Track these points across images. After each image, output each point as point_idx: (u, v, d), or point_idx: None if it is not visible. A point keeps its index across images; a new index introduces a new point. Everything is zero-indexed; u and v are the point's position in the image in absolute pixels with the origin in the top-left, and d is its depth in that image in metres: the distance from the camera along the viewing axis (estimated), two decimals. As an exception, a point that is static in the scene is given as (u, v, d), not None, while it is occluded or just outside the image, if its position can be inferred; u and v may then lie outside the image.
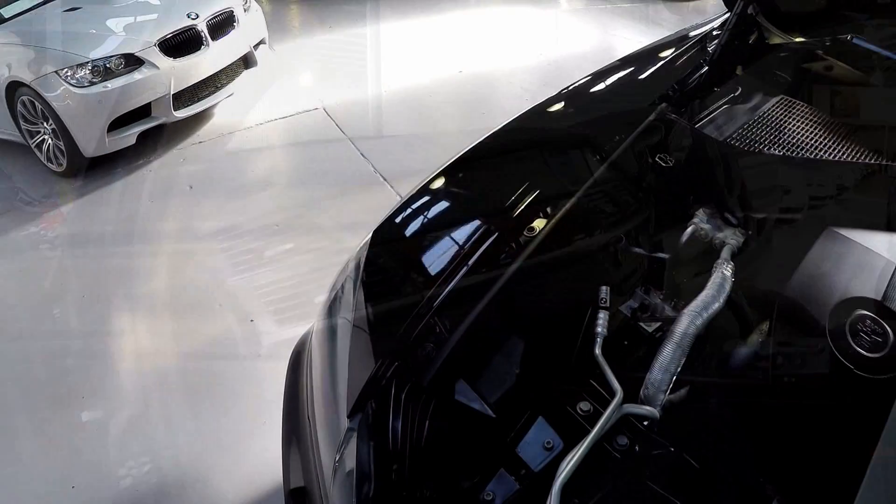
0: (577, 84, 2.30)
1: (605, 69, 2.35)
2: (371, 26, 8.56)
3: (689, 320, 1.43)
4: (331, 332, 1.69)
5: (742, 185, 1.82)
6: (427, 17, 8.77)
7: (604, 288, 1.53)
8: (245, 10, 6.16)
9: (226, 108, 6.20)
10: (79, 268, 4.25)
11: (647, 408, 1.34)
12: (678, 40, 2.61)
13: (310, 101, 6.31)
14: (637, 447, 1.30)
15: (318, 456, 1.55)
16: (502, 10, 8.96)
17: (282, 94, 6.54)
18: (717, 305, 1.50)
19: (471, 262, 1.58)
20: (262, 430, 3.03)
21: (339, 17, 8.93)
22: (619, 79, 2.19)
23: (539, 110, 2.18)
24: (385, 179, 4.86)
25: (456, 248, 1.62)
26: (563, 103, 2.16)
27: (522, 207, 1.70)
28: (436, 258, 1.64)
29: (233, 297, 3.93)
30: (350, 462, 1.34)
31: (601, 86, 2.18)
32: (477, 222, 1.69)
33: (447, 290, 1.54)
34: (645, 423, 1.37)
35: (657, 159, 1.82)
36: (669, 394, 1.40)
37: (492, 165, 1.93)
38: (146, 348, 3.62)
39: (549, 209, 1.68)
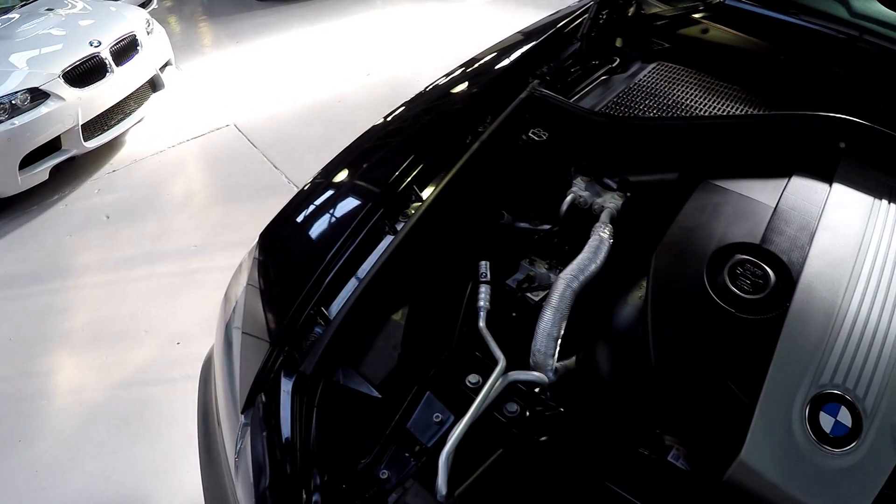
0: (460, 66, 2.33)
1: (490, 51, 2.39)
2: (279, 36, 8.52)
3: (564, 284, 1.49)
4: (227, 338, 1.71)
5: (617, 150, 1.88)
6: (334, 22, 8.78)
7: (483, 263, 1.57)
8: (148, 33, 6.10)
9: (137, 133, 6.13)
10: (2, 311, 4.18)
11: (535, 374, 1.39)
12: (564, 17, 2.67)
13: (220, 118, 6.29)
14: (527, 413, 1.34)
15: (227, 458, 1.57)
16: (411, 7, 9.01)
17: (192, 114, 6.49)
18: (593, 267, 1.55)
19: (353, 246, 1.59)
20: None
21: (246, 30, 8.89)
22: (498, 59, 2.22)
23: (424, 95, 2.22)
24: (297, 187, 4.81)
25: (340, 234, 1.63)
26: (447, 86, 2.19)
27: (403, 187, 1.73)
28: (321, 246, 1.65)
29: (158, 322, 3.91)
30: (247, 457, 1.36)
31: (482, 65, 2.21)
32: (360, 206, 1.70)
33: (330, 275, 1.55)
34: (536, 389, 1.42)
35: (530, 134, 1.87)
36: (559, 361, 1.46)
37: (376, 151, 1.96)
38: (77, 384, 3.58)
39: (427, 190, 1.71)
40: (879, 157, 1.78)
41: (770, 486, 1.20)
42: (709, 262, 1.46)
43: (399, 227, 1.61)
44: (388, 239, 1.59)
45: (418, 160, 1.77)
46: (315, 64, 7.43)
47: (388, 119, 2.12)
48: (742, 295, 1.40)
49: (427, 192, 1.69)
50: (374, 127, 2.11)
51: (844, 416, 1.23)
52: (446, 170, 1.73)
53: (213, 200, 5.12)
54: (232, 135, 6.00)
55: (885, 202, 1.64)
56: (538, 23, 2.65)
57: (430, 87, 2.24)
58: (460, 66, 2.28)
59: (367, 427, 1.39)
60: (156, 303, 4.07)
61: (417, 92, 2.25)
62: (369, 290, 1.50)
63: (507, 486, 1.23)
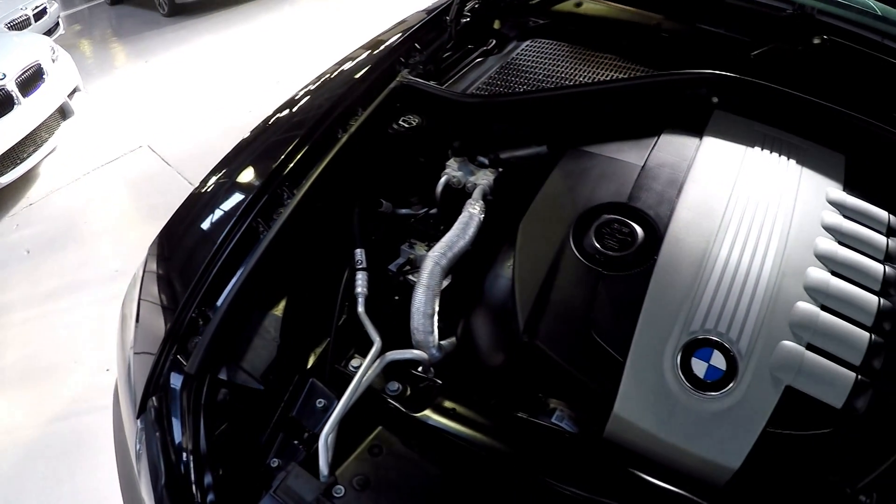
0: (337, 62, 2.35)
1: (371, 42, 2.41)
2: (188, 50, 8.43)
3: (433, 263, 1.53)
4: (123, 353, 1.72)
5: (488, 128, 1.92)
6: (242, 28, 8.71)
7: (358, 251, 1.60)
8: (53, 61, 5.97)
9: (51, 163, 6.01)
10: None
11: (412, 352, 1.42)
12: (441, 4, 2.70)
13: (133, 140, 6.20)
14: (409, 390, 1.38)
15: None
16: (318, 6, 8.97)
17: (104, 138, 6.39)
18: (462, 243, 1.59)
19: (231, 245, 1.60)
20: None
21: (156, 47, 8.76)
22: (374, 50, 2.24)
23: (304, 91, 2.23)
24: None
25: (219, 234, 1.64)
26: (324, 82, 2.20)
27: (276, 185, 1.74)
28: (201, 248, 1.66)
29: (87, 350, 3.88)
30: (144, 461, 1.37)
31: (358, 59, 2.23)
32: (238, 205, 1.71)
33: (211, 275, 1.56)
34: (420, 367, 1.46)
35: (401, 122, 1.90)
36: (441, 340, 1.50)
37: (256, 149, 1.97)
38: (11, 424, 3.53)
39: (302, 186, 1.73)
40: (752, 108, 1.84)
41: (647, 436, 1.24)
42: (574, 226, 1.49)
43: (273, 223, 1.63)
44: (265, 235, 1.61)
45: (291, 156, 1.78)
46: (225, 75, 7.37)
47: (270, 117, 2.14)
48: (609, 253, 1.44)
49: (300, 188, 1.71)
50: (257, 126, 2.12)
51: (718, 360, 1.27)
52: (318, 165, 1.75)
53: (131, 223, 5.07)
54: (146, 155, 5.93)
55: (756, 149, 1.70)
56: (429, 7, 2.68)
57: (312, 82, 2.26)
58: (337, 63, 2.30)
59: (255, 420, 1.41)
60: (83, 331, 4.02)
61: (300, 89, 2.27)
62: (246, 287, 1.51)
63: (390, 462, 1.25)
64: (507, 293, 1.46)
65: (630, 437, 1.26)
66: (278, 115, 2.11)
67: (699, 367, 1.26)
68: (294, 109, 2.05)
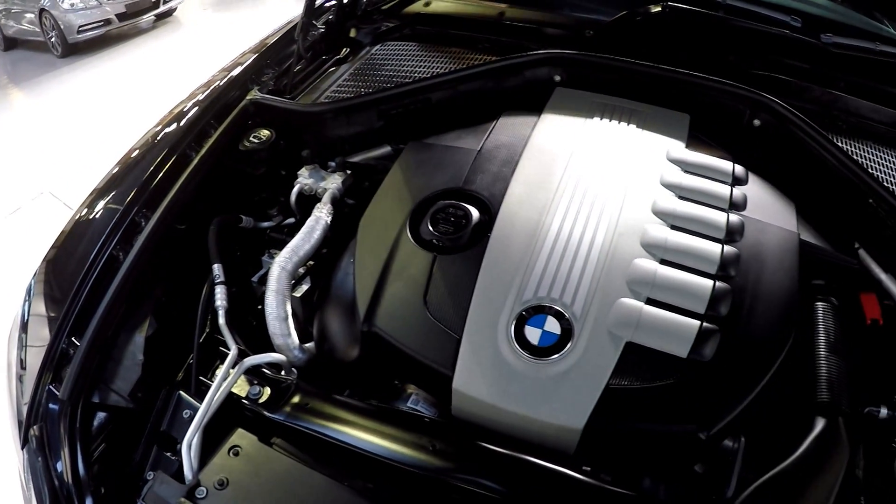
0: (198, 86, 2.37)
1: (229, 64, 2.42)
2: (84, 88, 8.32)
3: (279, 268, 1.57)
4: (10, 384, 1.73)
5: (336, 133, 1.97)
6: (136, 61, 8.63)
7: (216, 266, 1.62)
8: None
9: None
10: None
11: (270, 355, 1.46)
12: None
13: (34, 187, 6.09)
14: (269, 392, 1.40)
15: None
16: (212, 30, 8.92)
17: (4, 188, 6.25)
18: (308, 247, 1.64)
19: (95, 272, 1.62)
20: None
21: (53, 89, 8.66)
22: (230, 72, 2.26)
23: (163, 119, 2.21)
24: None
25: (85, 262, 1.65)
26: (183, 106, 2.21)
27: (134, 211, 1.75)
28: (72, 277, 1.66)
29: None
30: (30, 490, 1.38)
31: (220, 80, 2.25)
32: (100, 232, 1.72)
33: (79, 302, 1.57)
34: (282, 371, 1.50)
35: (252, 139, 1.95)
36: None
37: (119, 176, 1.97)
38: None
39: (159, 206, 1.74)
40: (593, 81, 1.91)
41: (490, 409, 1.27)
42: (411, 215, 1.54)
43: (130, 250, 1.65)
44: (125, 262, 1.63)
45: (148, 182, 1.79)
46: (123, 109, 7.29)
47: (135, 146, 2.15)
48: (444, 237, 1.49)
49: (156, 212, 1.73)
50: (121, 157, 2.13)
51: (552, 325, 1.31)
52: (172, 188, 1.77)
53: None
54: (48, 202, 5.84)
55: (596, 119, 1.77)
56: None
57: (174, 107, 2.27)
58: (198, 87, 2.32)
59: (131, 437, 1.43)
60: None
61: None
62: (109, 313, 1.53)
63: (248, 461, 1.29)
64: (351, 287, 1.49)
65: (475, 411, 1.30)
66: (138, 144, 2.12)
67: (533, 334, 1.31)
68: (151, 137, 2.07)
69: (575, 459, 1.28)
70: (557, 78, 1.97)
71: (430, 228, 1.51)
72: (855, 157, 1.77)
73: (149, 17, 10.44)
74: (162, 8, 10.50)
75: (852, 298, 1.69)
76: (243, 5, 11.40)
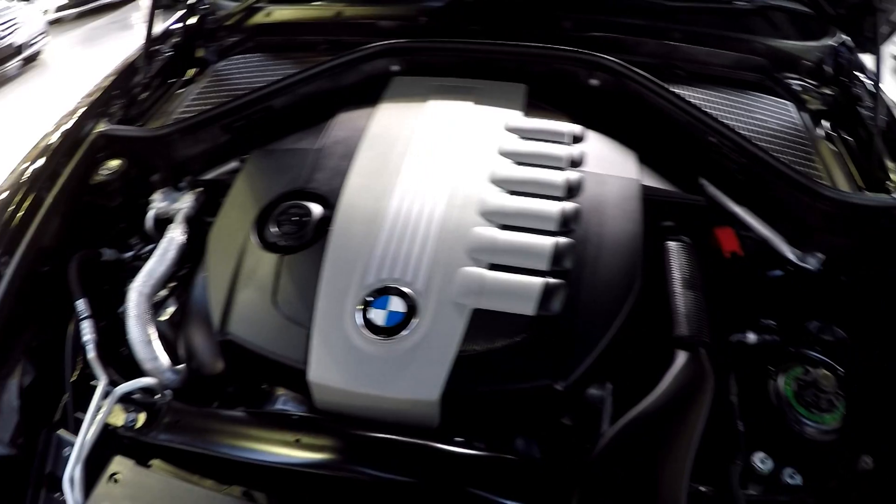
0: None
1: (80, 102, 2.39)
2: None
3: (136, 293, 1.58)
4: None
5: (186, 154, 1.95)
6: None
7: (79, 302, 1.60)
8: None
9: None
10: None
11: (141, 380, 1.45)
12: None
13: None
14: (145, 416, 1.40)
15: None
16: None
17: None
18: (163, 269, 1.64)
19: None
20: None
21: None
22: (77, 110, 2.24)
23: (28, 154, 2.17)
24: None
25: None
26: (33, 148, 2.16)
27: None
28: None
29: None
30: None
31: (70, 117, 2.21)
32: None
33: None
34: (157, 395, 1.49)
35: (101, 171, 1.91)
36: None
37: None
38: None
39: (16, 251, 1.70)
40: (428, 66, 1.98)
41: (347, 394, 1.31)
42: (256, 222, 1.57)
43: None
44: None
45: (4, 229, 1.72)
46: None
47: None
48: (289, 237, 1.52)
49: (14, 257, 1.71)
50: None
51: (397, 305, 1.35)
52: (27, 231, 1.74)
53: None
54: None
55: (432, 102, 1.82)
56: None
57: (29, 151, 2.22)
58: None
59: (17, 483, 1.42)
60: None
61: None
62: None
63: (128, 485, 1.29)
64: (206, 301, 1.51)
65: (336, 399, 1.33)
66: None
67: (379, 315, 1.34)
68: (5, 181, 2.03)
69: (446, 432, 1.31)
70: (395, 68, 2.01)
71: (275, 231, 1.55)
72: (695, 100, 1.86)
73: (14, 62, 10.10)
74: (26, 53, 10.17)
75: (709, 234, 1.78)
76: (111, 38, 11.17)
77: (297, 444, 1.28)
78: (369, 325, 1.34)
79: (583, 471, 1.20)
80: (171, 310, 1.65)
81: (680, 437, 1.23)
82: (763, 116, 2.00)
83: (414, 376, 1.29)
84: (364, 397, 1.31)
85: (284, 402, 1.45)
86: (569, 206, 1.53)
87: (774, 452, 1.47)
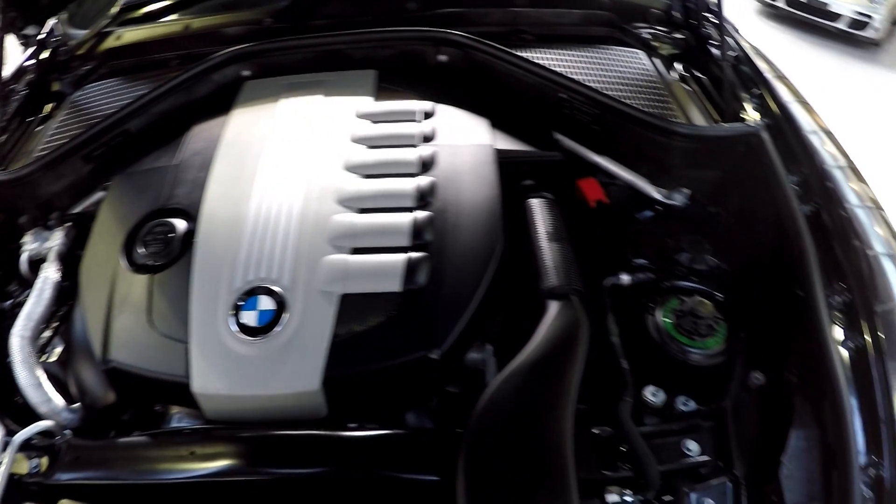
0: None
1: None
2: None
3: (18, 338, 1.56)
4: None
5: (50, 190, 1.91)
6: None
7: None
8: None
9: None
10: None
11: (39, 424, 1.42)
12: None
13: None
14: (48, 459, 1.38)
15: None
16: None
17: None
18: (41, 309, 1.63)
19: None
20: None
21: None
22: None
23: None
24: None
25: None
26: None
27: None
28: None
29: None
30: None
31: None
32: None
33: None
34: (57, 437, 1.44)
35: None
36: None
37: None
38: None
39: None
40: (279, 66, 2.01)
41: (233, 400, 1.34)
42: (124, 247, 1.57)
43: None
44: None
45: None
46: None
47: None
48: (156, 256, 1.53)
49: None
50: None
51: (266, 303, 1.38)
52: None
53: None
54: None
55: (283, 100, 1.85)
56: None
57: None
58: None
59: None
60: None
61: None
62: None
63: None
64: (86, 333, 1.51)
65: (224, 407, 1.35)
66: None
67: (250, 317, 1.37)
68: None
69: (337, 419, 1.35)
70: (246, 73, 2.03)
71: (142, 252, 1.55)
72: (545, 61, 1.94)
73: None
74: None
75: (573, 187, 1.85)
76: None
77: (193, 457, 1.30)
78: (243, 327, 1.37)
79: (465, 432, 1.23)
80: (58, 349, 1.65)
81: (560, 384, 1.27)
82: (614, 67, 2.09)
83: (292, 370, 1.32)
84: (250, 399, 1.33)
85: (179, 419, 1.47)
86: (424, 180, 1.57)
87: (665, 384, 1.53)
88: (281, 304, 1.38)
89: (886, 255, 1.51)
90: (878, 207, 1.61)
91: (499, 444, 1.20)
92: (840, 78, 6.17)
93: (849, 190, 1.64)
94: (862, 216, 1.58)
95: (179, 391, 1.36)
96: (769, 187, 1.68)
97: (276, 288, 1.40)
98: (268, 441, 1.31)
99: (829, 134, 1.79)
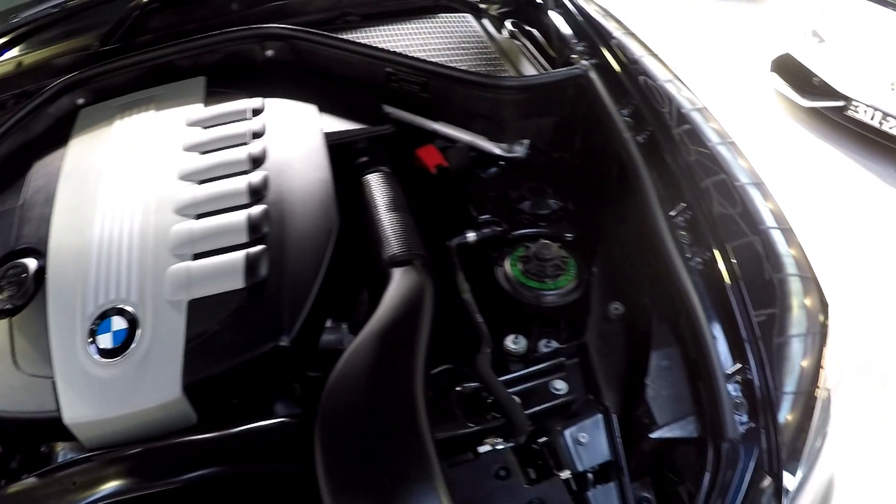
0: None
1: None
2: None
3: None
4: None
5: None
6: None
7: None
8: None
9: None
10: None
11: None
12: None
13: None
14: None
15: None
16: None
17: None
18: None
19: None
20: None
21: None
22: None
23: None
24: None
25: None
26: None
27: None
28: None
29: None
30: None
31: None
32: None
33: None
34: None
35: None
36: None
37: None
38: None
39: None
40: (111, 89, 2.00)
41: (104, 424, 1.34)
42: None
43: None
44: None
45: None
46: None
47: None
48: (13, 298, 1.51)
49: None
50: None
51: (119, 323, 1.40)
52: None
53: None
54: None
55: (118, 121, 1.85)
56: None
57: None
58: None
59: None
60: None
61: None
62: None
63: None
64: None
65: (98, 433, 1.36)
66: None
67: (106, 339, 1.39)
68: None
69: (209, 423, 1.37)
70: (80, 101, 2.01)
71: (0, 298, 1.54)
72: (371, 39, 2.01)
73: None
74: None
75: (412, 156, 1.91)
76: None
77: (76, 487, 1.30)
78: (101, 351, 1.38)
79: (318, 412, 1.25)
80: None
81: (409, 348, 1.31)
82: (442, 34, 2.15)
83: (152, 383, 1.34)
84: (120, 420, 1.34)
85: (65, 454, 1.47)
86: (256, 176, 1.60)
87: (526, 331, 1.61)
88: (133, 322, 1.40)
89: (752, 184, 1.62)
90: (735, 144, 1.72)
91: (350, 417, 1.23)
92: None
93: (708, 129, 1.74)
94: (724, 152, 1.69)
95: (55, 427, 1.36)
96: (603, 124, 1.76)
97: (126, 307, 1.42)
98: (134, 456, 1.32)
99: (682, 81, 1.89)
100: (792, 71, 5.62)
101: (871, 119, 5.18)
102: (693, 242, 1.52)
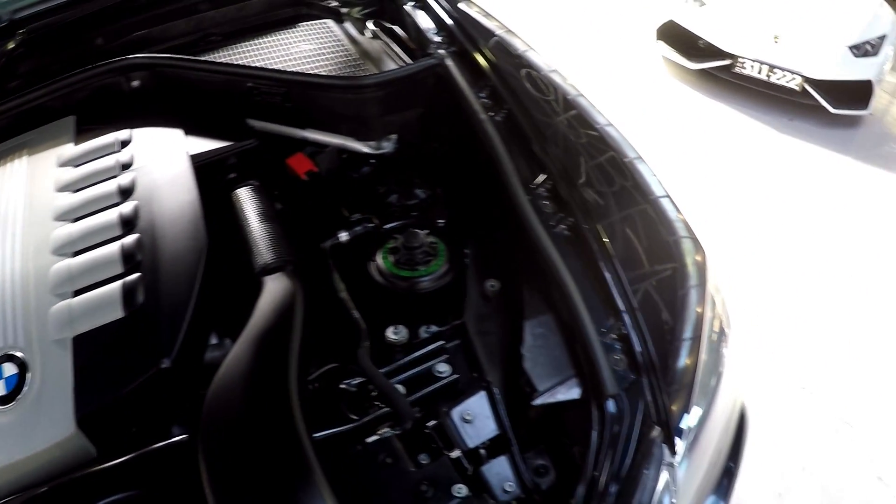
0: None
1: None
2: None
3: None
4: None
5: None
6: None
7: None
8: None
9: None
10: None
11: None
12: None
13: None
14: None
15: None
16: None
17: None
18: None
19: None
20: None
21: None
22: None
23: None
24: None
25: None
26: None
27: None
28: None
29: None
30: None
31: None
32: None
33: None
34: None
35: None
36: None
37: None
38: None
39: None
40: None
41: (5, 472, 1.30)
42: None
43: None
44: None
45: None
46: None
47: None
48: None
49: None
50: None
51: (9, 369, 1.38)
52: None
53: None
54: None
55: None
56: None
57: None
58: None
59: None
60: None
61: None
62: None
63: None
64: None
65: (2, 481, 1.32)
66: None
67: None
68: None
69: (109, 454, 1.35)
70: None
71: None
72: (236, 57, 2.06)
73: None
74: None
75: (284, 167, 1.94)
76: None
77: None
78: None
79: (200, 427, 1.27)
80: None
81: (282, 353, 1.34)
82: (305, 42, 2.19)
83: (48, 422, 1.33)
84: (20, 465, 1.32)
85: None
86: (126, 207, 1.62)
87: (407, 320, 1.64)
88: (23, 366, 1.39)
89: (638, 159, 1.71)
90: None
91: (228, 428, 1.26)
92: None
93: (596, 112, 1.82)
94: (612, 132, 1.78)
95: None
96: (463, 108, 1.83)
97: (15, 352, 1.41)
98: (37, 498, 1.31)
99: (561, 71, 1.96)
100: (677, 37, 5.79)
101: (759, 73, 5.40)
102: (556, 210, 1.58)
